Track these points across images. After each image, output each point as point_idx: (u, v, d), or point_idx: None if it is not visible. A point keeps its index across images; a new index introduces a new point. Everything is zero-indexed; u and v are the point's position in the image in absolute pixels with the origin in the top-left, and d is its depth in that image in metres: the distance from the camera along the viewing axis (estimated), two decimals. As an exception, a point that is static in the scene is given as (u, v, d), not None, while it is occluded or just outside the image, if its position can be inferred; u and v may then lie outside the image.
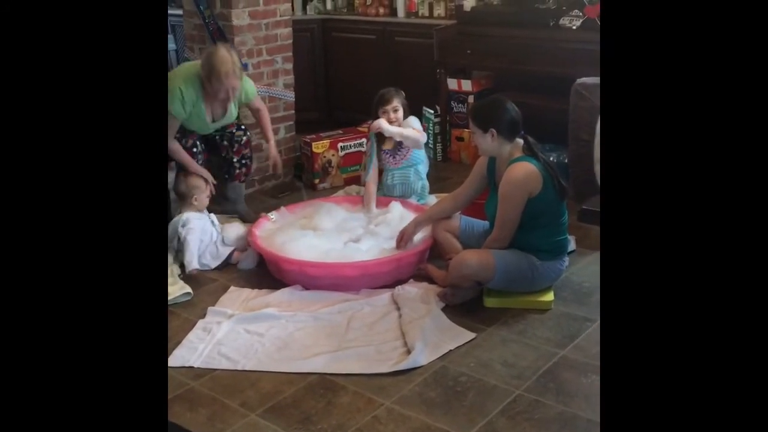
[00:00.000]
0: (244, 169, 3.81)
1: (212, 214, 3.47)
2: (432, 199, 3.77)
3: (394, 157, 3.76)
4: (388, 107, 3.70)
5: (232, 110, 3.65)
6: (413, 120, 3.76)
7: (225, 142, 3.73)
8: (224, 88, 3.38)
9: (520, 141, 2.85)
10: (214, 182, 3.59)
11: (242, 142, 3.75)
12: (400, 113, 3.71)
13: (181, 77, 3.45)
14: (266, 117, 3.84)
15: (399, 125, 3.69)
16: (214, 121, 3.61)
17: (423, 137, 3.74)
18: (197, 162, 3.59)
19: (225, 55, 3.37)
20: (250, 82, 3.72)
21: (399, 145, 3.75)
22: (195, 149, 3.58)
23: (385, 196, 3.73)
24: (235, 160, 3.76)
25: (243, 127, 3.80)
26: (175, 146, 3.50)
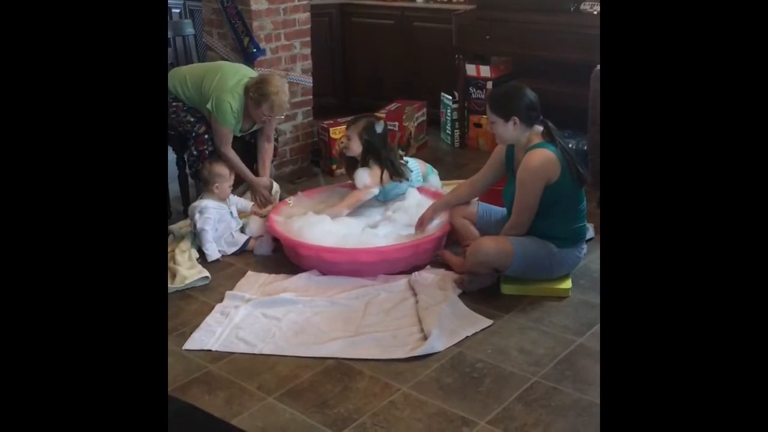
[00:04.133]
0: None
1: (233, 205, 3.47)
2: (436, 179, 3.74)
3: None
4: (345, 133, 3.58)
5: (258, 125, 3.73)
6: (361, 172, 3.46)
7: None
8: (271, 117, 3.53)
9: (539, 127, 2.83)
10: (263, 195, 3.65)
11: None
12: (351, 145, 3.47)
13: (228, 91, 3.50)
14: (270, 153, 3.78)
15: (349, 153, 3.52)
16: (241, 132, 3.68)
17: (367, 194, 3.44)
18: (206, 152, 3.59)
19: (279, 86, 3.47)
20: None
21: None
22: (207, 135, 3.59)
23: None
24: None
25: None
26: (231, 154, 3.57)
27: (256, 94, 3.46)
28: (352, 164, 3.57)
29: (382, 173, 3.43)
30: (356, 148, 3.47)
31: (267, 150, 3.75)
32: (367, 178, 3.44)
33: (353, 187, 3.74)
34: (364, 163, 3.48)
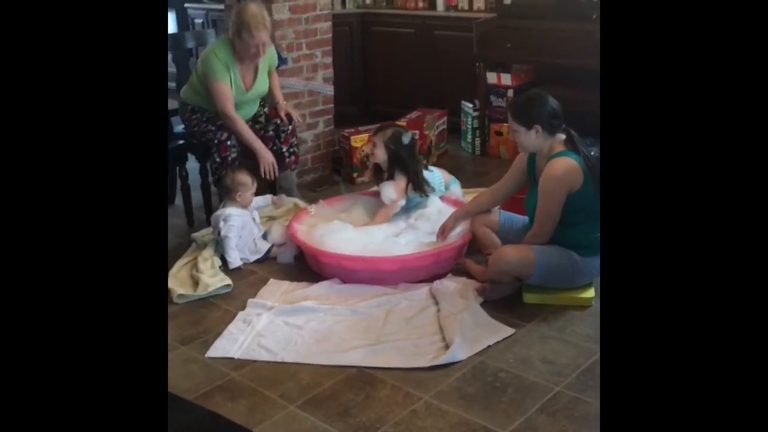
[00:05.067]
0: (293, 158, 3.87)
1: (255, 212, 3.48)
2: (458, 189, 3.73)
3: None
4: (370, 140, 3.57)
5: (263, 78, 3.74)
6: (387, 187, 3.44)
7: (271, 133, 3.79)
8: (255, 42, 3.49)
9: (562, 135, 2.82)
10: (274, 171, 3.64)
11: (288, 131, 3.81)
12: (377, 153, 3.47)
13: (213, 47, 3.58)
14: (276, 78, 3.92)
15: (375, 161, 3.54)
16: (248, 90, 3.67)
17: (395, 209, 3.43)
18: (229, 158, 3.62)
19: (255, 9, 3.49)
20: (273, 47, 3.83)
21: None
22: (229, 142, 3.62)
23: None
24: (284, 149, 3.82)
25: (287, 115, 3.85)
26: (236, 116, 3.59)
27: (235, 28, 3.49)
28: (379, 171, 3.58)
29: (407, 185, 3.43)
30: (381, 155, 3.47)
31: (273, 80, 3.85)
32: (393, 192, 3.42)
33: (375, 194, 3.75)
34: (390, 174, 3.47)
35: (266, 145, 3.76)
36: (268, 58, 3.75)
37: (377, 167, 3.58)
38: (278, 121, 3.80)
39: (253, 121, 3.80)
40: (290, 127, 3.82)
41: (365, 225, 3.41)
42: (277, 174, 3.68)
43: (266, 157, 3.63)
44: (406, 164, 3.44)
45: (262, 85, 3.74)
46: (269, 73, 3.83)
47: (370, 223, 3.43)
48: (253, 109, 3.81)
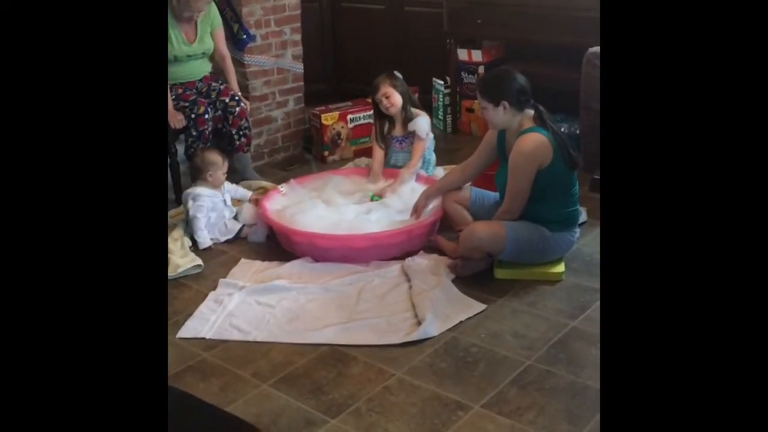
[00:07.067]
0: (244, 140, 3.83)
1: (227, 193, 3.44)
2: (440, 172, 3.74)
3: (400, 144, 3.68)
4: (378, 95, 3.59)
5: (205, 37, 3.74)
6: (420, 121, 3.56)
7: (219, 113, 3.73)
8: (190, 7, 3.58)
9: (531, 111, 2.82)
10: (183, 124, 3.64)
11: (236, 113, 3.75)
12: (395, 98, 3.56)
13: None
14: (230, 65, 3.91)
15: (396, 110, 3.59)
16: (192, 43, 3.69)
17: (428, 141, 3.63)
18: (207, 131, 3.64)
19: None
20: (215, 8, 3.83)
21: (407, 133, 3.67)
22: (206, 115, 3.62)
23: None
24: (233, 132, 3.78)
25: (237, 97, 3.79)
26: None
27: None
28: (389, 125, 3.68)
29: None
30: (399, 99, 3.59)
31: (227, 65, 3.86)
32: (426, 125, 3.57)
33: (347, 173, 3.75)
34: (408, 115, 3.60)
35: (215, 125, 3.71)
36: (209, 17, 3.77)
37: (382, 124, 3.67)
38: (227, 101, 3.73)
39: (205, 96, 3.74)
40: (238, 109, 3.74)
41: (406, 170, 3.49)
42: (177, 125, 3.62)
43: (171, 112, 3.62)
44: (414, 100, 3.68)
45: (206, 42, 3.76)
46: (222, 59, 3.85)
47: (408, 165, 3.53)
48: (202, 68, 3.80)
